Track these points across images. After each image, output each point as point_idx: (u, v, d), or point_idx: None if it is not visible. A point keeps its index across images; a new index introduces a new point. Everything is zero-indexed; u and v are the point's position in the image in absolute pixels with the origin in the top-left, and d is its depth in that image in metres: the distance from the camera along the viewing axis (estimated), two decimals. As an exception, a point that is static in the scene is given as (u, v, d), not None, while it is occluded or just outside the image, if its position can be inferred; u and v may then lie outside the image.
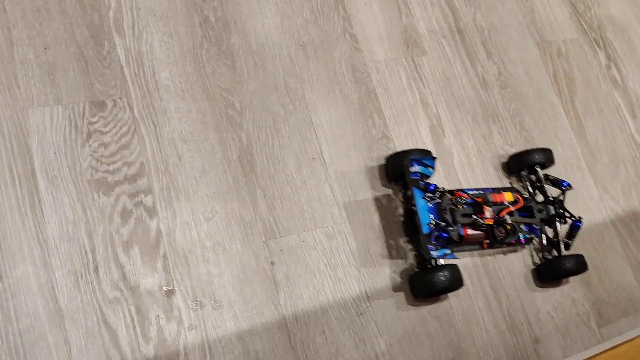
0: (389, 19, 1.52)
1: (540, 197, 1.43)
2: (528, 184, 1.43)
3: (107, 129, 1.16)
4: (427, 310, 1.25)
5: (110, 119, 1.17)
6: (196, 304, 1.10)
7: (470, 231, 1.26)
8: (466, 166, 1.43)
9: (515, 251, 1.39)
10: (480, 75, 1.55)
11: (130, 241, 1.10)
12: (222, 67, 1.31)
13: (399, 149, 1.38)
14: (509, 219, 1.29)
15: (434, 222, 1.21)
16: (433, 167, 1.29)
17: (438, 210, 1.24)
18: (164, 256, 1.11)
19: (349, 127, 1.36)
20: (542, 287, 1.39)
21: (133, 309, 1.06)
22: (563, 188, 1.39)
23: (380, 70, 1.46)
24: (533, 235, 1.34)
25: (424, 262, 1.24)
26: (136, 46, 1.24)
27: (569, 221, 1.38)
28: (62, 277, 1.03)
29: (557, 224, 1.36)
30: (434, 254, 1.19)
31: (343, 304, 1.20)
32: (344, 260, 1.24)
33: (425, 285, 1.19)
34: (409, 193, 1.26)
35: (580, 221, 1.37)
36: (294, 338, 1.14)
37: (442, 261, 1.24)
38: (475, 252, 1.35)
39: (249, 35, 1.36)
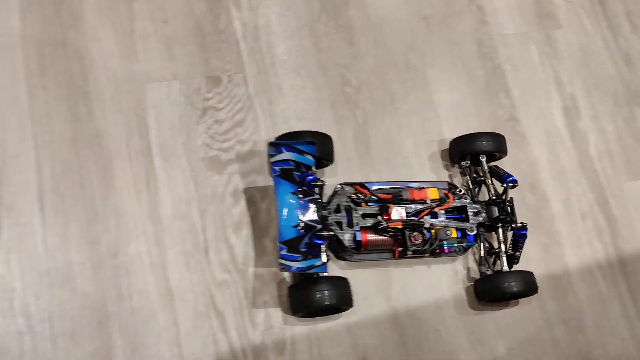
0: (521, -12, 1.37)
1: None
2: (469, 178, 1.14)
3: (221, 105, 1.13)
4: (553, 313, 1.14)
5: (225, 94, 1.14)
6: (305, 291, 1.05)
7: (371, 236, 1.02)
8: (604, 154, 1.27)
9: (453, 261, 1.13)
10: (623, 50, 1.37)
11: (240, 222, 1.07)
12: (339, 41, 1.23)
13: (527, 132, 1.25)
14: (427, 223, 1.03)
15: (302, 224, 0.96)
16: (313, 155, 1.01)
17: (316, 209, 0.98)
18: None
19: (472, 107, 1.25)
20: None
21: (242, 293, 1.03)
22: (505, 184, 1.08)
23: (508, 44, 1.32)
24: (464, 245, 1.07)
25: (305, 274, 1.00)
26: (253, 20, 1.20)
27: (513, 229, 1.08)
28: (173, 256, 1.02)
29: (500, 230, 1.08)
30: (295, 265, 0.94)
31: (459, 301, 1.11)
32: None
33: (300, 301, 0.98)
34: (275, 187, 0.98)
35: (524, 229, 1.06)
36: (405, 334, 1.07)
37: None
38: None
39: (368, 8, 1.28)
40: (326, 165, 1.11)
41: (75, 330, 0.95)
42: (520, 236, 1.06)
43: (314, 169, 1.04)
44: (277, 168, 0.98)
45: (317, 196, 0.99)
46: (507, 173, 1.09)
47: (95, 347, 0.95)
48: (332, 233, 0.99)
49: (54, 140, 1.03)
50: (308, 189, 0.99)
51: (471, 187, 1.14)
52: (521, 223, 1.06)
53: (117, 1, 1.14)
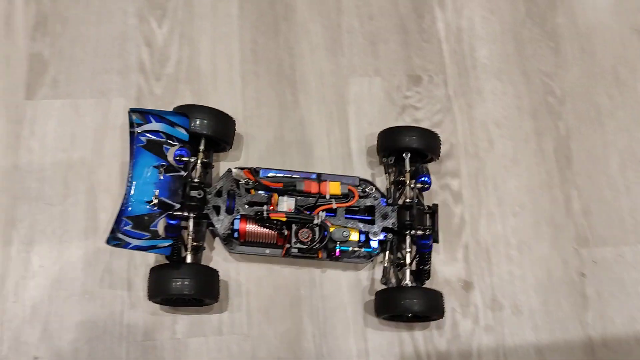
0: None
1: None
2: (389, 176, 1.00)
3: (420, 105, 1.11)
4: None
5: (425, 94, 1.12)
6: (494, 304, 1.00)
7: (250, 226, 0.90)
8: None
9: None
10: None
11: (432, 224, 1.03)
12: (544, 48, 1.17)
13: None
14: (318, 219, 0.89)
15: (156, 201, 0.86)
16: (186, 128, 0.90)
17: (175, 188, 0.88)
18: (466, 246, 1.03)
19: (690, 129, 1.13)
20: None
21: (430, 297, 0.99)
22: (420, 184, 0.94)
23: None
24: (363, 250, 0.92)
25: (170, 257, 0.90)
26: (456, 21, 1.17)
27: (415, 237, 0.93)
28: (365, 250, 1.00)
29: (407, 238, 0.92)
30: (133, 243, 0.83)
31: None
32: (669, 287, 1.03)
33: (157, 286, 0.87)
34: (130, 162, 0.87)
35: (426, 238, 0.91)
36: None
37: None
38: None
39: (577, 16, 1.20)
40: (223, 150, 1.01)
41: (270, 308, 0.96)
42: (422, 246, 0.92)
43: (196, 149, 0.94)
44: (143, 139, 0.89)
45: (182, 173, 0.89)
46: (425, 174, 0.95)
47: (286, 328, 0.95)
48: (184, 214, 0.87)
49: (261, 124, 1.06)
50: (175, 164, 0.89)
51: (390, 187, 0.98)
52: (424, 229, 0.90)
53: (327, -3, 1.16)
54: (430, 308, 0.90)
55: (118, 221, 0.84)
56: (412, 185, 0.93)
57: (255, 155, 1.04)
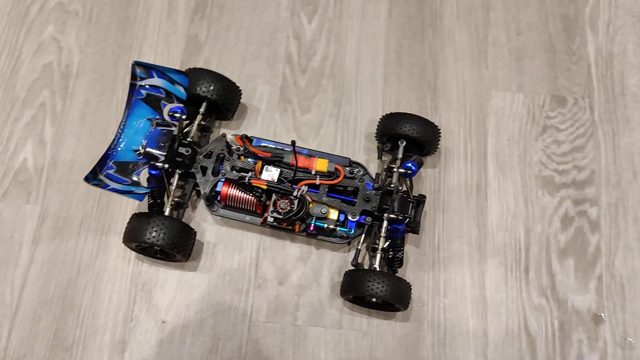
0: None
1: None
2: (381, 162, 0.99)
3: (563, 127, 1.07)
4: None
5: (569, 116, 1.08)
6: (625, 343, 0.94)
7: (232, 191, 0.91)
8: None
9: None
10: None
11: (566, 250, 0.99)
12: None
13: None
14: (297, 192, 0.88)
15: (142, 151, 0.88)
16: (185, 87, 0.92)
17: (163, 141, 0.90)
18: (599, 277, 0.98)
19: None
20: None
21: (556, 323, 0.95)
22: (405, 170, 0.91)
23: None
24: (338, 229, 0.91)
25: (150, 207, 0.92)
26: (608, 46, 1.13)
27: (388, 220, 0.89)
28: (493, 266, 0.98)
29: (384, 223, 0.89)
30: (111, 185, 0.87)
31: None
32: None
33: (132, 232, 0.89)
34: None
35: (399, 222, 0.88)
36: None
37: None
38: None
39: None
40: (225, 117, 1.02)
41: (389, 314, 0.95)
42: (394, 231, 0.89)
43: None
44: (143, 92, 0.92)
45: (172, 128, 0.91)
46: (413, 161, 0.92)
47: (405, 333, 0.94)
48: (166, 166, 0.88)
49: (399, 127, 1.06)
50: (169, 120, 0.91)
51: (380, 172, 0.97)
52: (397, 215, 0.88)
53: (476, 7, 1.15)
54: (394, 296, 0.87)
55: (102, 163, 0.89)
56: (394, 170, 0.92)
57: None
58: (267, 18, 1.13)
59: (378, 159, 1.00)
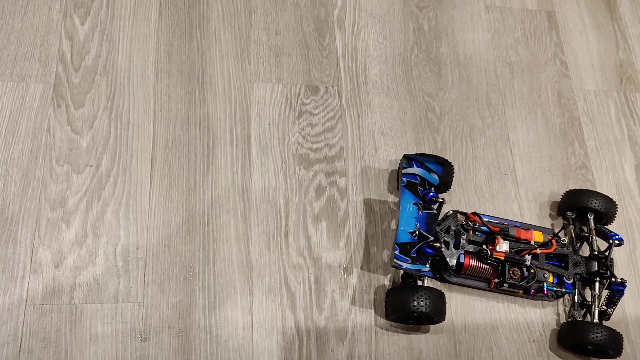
0: (605, 52, 1.46)
1: (586, 252, 1.19)
2: (572, 230, 1.20)
3: (316, 111, 1.25)
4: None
5: (321, 103, 1.26)
6: (370, 288, 1.13)
7: (473, 262, 1.09)
8: (672, 213, 1.31)
9: (542, 306, 1.17)
10: (701, 122, 1.42)
11: (320, 215, 1.16)
12: (428, 72, 1.35)
13: (597, 182, 1.31)
14: (528, 261, 1.08)
15: (417, 232, 1.06)
16: (439, 174, 1.14)
17: (429, 223, 1.08)
18: (348, 236, 1.16)
19: (546, 150, 1.32)
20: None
21: (312, 278, 1.11)
22: (612, 241, 1.14)
23: (588, 100, 1.40)
24: (563, 290, 1.12)
25: (404, 280, 1.10)
26: (353, 42, 1.33)
27: (611, 283, 1.12)
28: (257, 234, 1.12)
29: (597, 284, 1.12)
30: (406, 265, 1.02)
31: (515, 326, 1.15)
32: (522, 281, 1.19)
33: (397, 304, 1.04)
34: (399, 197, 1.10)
35: (623, 285, 1.10)
36: (459, 347, 1.12)
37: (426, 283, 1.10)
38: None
39: (458, 47, 1.39)
40: (444, 191, 1.20)
41: (164, 281, 1.05)
42: (617, 292, 1.11)
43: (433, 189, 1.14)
44: (404, 179, 1.10)
45: (434, 211, 1.09)
46: (613, 232, 1.15)
47: (179, 299, 1.05)
48: (441, 246, 1.06)
49: (170, 117, 1.17)
50: (428, 204, 1.09)
51: (574, 239, 1.19)
52: (621, 279, 1.10)
53: (239, 11, 1.30)
54: (612, 346, 1.06)
55: (395, 248, 1.03)
56: (610, 241, 1.13)
57: (161, 143, 1.14)
58: (39, 21, 1.19)
59: (571, 226, 1.19)
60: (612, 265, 1.14)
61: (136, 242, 1.07)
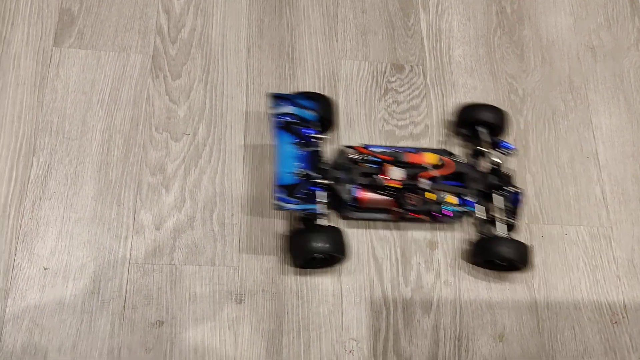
0: (689, 38, 1.44)
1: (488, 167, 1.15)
2: (470, 147, 1.19)
3: (401, 89, 1.26)
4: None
5: (406, 81, 1.27)
6: (455, 263, 1.14)
7: (369, 194, 1.04)
8: None
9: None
10: None
11: (405, 191, 1.17)
12: (510, 54, 1.35)
13: (682, 168, 1.29)
14: (426, 185, 1.05)
15: (303, 172, 0.99)
16: (315, 110, 1.06)
17: (313, 161, 1.02)
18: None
19: (629, 135, 1.31)
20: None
21: (399, 251, 1.13)
22: (503, 151, 1.14)
23: (672, 86, 1.38)
24: (466, 209, 1.09)
25: (305, 223, 1.05)
26: (437, 23, 1.34)
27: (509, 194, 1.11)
28: (345, 205, 1.14)
29: (497, 197, 1.10)
30: (289, 206, 0.97)
31: (597, 307, 1.15)
32: (605, 264, 1.19)
33: (296, 248, 1.01)
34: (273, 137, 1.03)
35: (518, 193, 1.09)
36: (542, 324, 1.12)
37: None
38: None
39: (540, 30, 1.39)
40: (329, 129, 1.15)
41: (258, 247, 1.08)
42: (514, 201, 1.10)
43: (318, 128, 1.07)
44: (279, 120, 1.04)
45: (316, 149, 1.04)
46: (504, 141, 1.14)
47: (271, 265, 1.08)
48: (329, 182, 1.02)
49: (261, 91, 1.20)
50: (306, 141, 1.03)
51: (471, 155, 1.16)
52: (515, 188, 1.09)
53: (327, -11, 1.32)
54: (518, 257, 1.07)
55: (276, 191, 0.98)
56: (499, 150, 1.13)
57: (253, 117, 1.17)
58: (138, -6, 1.23)
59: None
60: (510, 176, 1.12)
61: (231, 208, 1.10)
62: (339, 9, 1.31)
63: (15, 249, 1.01)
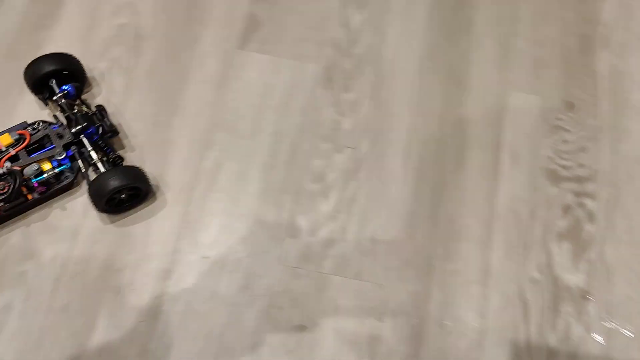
0: None
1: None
2: (49, 108, 1.12)
3: (570, 128, 1.21)
4: None
5: (576, 120, 1.22)
6: (606, 319, 1.07)
7: None
8: None
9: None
10: None
11: (563, 234, 1.13)
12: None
13: None
14: (4, 169, 0.98)
15: None
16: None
17: None
18: (589, 261, 1.11)
19: None
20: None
21: (549, 297, 1.08)
22: (63, 93, 1.07)
23: None
24: (62, 168, 1.03)
25: None
26: (617, 63, 1.27)
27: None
28: (498, 241, 1.11)
29: (84, 140, 1.05)
30: None
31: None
32: None
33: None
34: None
35: (89, 128, 1.05)
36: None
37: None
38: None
39: None
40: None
41: (403, 269, 1.08)
42: (90, 136, 1.05)
43: None
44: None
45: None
46: (66, 84, 1.07)
47: (416, 289, 1.07)
48: None
49: (426, 113, 1.21)
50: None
51: (55, 114, 1.10)
52: (83, 125, 1.04)
53: (505, 18, 1.30)
54: (134, 179, 1.02)
55: None
56: (57, 100, 1.07)
57: (414, 140, 1.18)
58: (319, 7, 1.27)
59: (47, 106, 1.12)
60: (95, 114, 1.07)
61: (383, 225, 1.11)
62: (516, 39, 1.28)
63: (180, 234, 1.08)
